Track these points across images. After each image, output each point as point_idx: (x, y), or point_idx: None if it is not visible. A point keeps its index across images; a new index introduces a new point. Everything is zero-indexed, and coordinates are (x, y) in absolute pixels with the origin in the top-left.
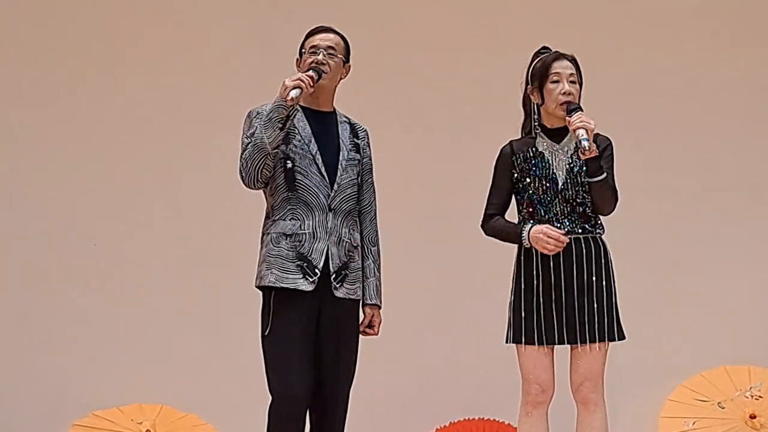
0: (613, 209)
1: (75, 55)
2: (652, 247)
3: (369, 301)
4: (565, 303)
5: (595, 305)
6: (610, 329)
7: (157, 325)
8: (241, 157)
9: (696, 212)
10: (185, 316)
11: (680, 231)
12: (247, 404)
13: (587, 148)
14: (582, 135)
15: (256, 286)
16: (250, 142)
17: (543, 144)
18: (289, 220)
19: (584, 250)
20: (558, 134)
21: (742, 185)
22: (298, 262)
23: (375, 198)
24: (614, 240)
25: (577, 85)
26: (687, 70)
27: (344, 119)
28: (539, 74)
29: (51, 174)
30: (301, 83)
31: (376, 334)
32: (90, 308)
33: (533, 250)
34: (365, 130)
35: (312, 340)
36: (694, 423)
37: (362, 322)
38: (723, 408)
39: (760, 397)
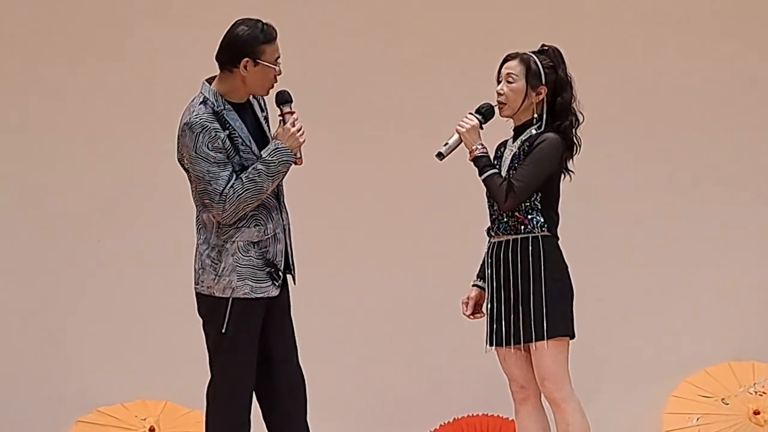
0: (507, 204)
1: (80, 50)
2: (656, 244)
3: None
4: (498, 305)
5: (521, 306)
6: (538, 328)
7: (161, 321)
8: (222, 194)
9: (700, 208)
10: (189, 313)
11: (684, 227)
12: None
13: (442, 152)
14: (451, 139)
15: (220, 297)
16: (245, 187)
17: (509, 144)
18: (254, 226)
19: (510, 254)
20: (516, 134)
21: (748, 181)
22: (267, 269)
23: None
24: (617, 237)
25: (517, 84)
26: (691, 67)
27: (252, 99)
28: (496, 77)
29: (54, 170)
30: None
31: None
32: (94, 305)
33: (487, 255)
34: (263, 98)
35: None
36: (697, 419)
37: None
38: (727, 404)
39: (763, 393)
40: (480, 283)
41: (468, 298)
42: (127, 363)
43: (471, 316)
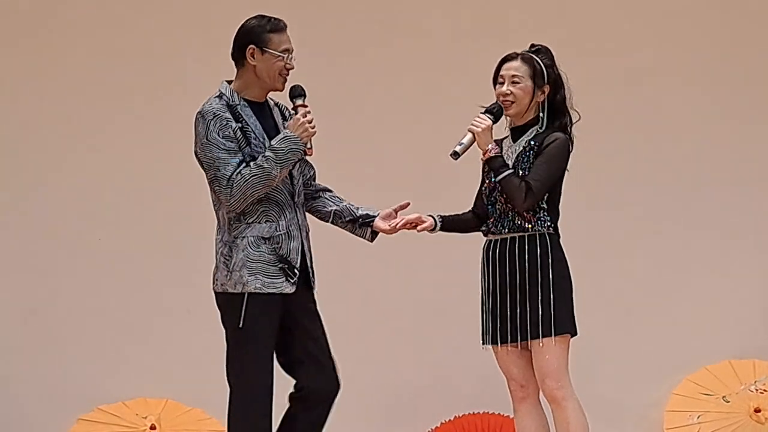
0: (526, 204)
1: (80, 49)
2: (657, 242)
3: (372, 213)
4: (500, 303)
5: (528, 303)
6: (545, 325)
7: (161, 319)
8: (230, 179)
9: (700, 207)
10: (190, 311)
11: (684, 226)
12: None
13: (457, 152)
14: (465, 138)
15: (234, 293)
16: (252, 173)
17: (507, 143)
18: (264, 222)
19: (517, 251)
20: (517, 133)
21: (747, 180)
22: (280, 265)
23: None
24: (618, 236)
25: (525, 84)
26: (698, 67)
27: (273, 103)
28: (493, 78)
29: (55, 170)
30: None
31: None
32: (95, 303)
33: (486, 253)
34: (287, 108)
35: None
36: (699, 417)
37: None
38: (728, 402)
39: (764, 390)
40: (438, 219)
41: (417, 216)
42: (128, 361)
43: (403, 223)
